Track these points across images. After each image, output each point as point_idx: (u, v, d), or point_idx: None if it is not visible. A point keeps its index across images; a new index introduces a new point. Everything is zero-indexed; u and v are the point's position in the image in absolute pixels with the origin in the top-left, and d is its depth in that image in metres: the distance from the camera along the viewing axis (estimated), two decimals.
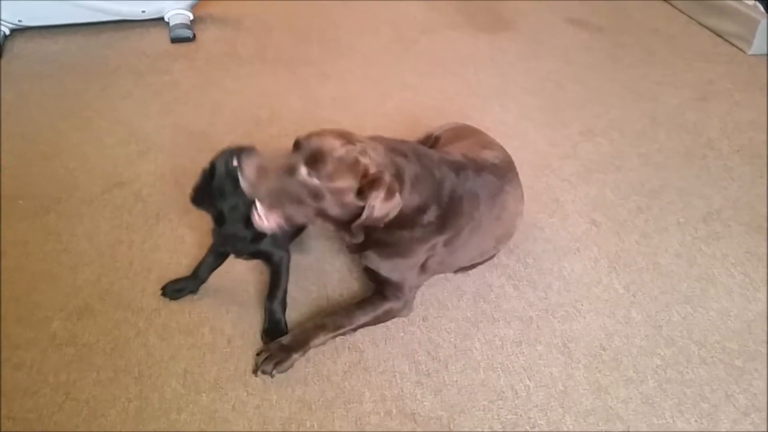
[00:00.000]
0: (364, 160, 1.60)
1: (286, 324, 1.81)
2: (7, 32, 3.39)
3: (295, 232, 1.96)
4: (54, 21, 3.47)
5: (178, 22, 3.52)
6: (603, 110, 2.95)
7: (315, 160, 1.58)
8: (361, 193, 1.60)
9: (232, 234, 1.76)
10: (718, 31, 3.70)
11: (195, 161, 2.45)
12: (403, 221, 1.74)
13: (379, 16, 3.83)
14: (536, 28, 3.77)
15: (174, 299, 1.91)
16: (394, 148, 1.74)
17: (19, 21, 3.38)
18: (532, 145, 2.66)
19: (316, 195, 1.61)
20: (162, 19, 3.59)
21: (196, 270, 1.90)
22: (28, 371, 1.70)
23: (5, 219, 2.20)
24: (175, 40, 3.46)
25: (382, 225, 1.68)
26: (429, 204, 1.77)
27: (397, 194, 1.63)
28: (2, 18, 3.33)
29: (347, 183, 1.60)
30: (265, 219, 1.63)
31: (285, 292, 1.83)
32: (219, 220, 1.75)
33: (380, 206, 1.61)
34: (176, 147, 2.60)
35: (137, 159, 2.53)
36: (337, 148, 1.60)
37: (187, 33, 3.48)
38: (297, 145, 1.64)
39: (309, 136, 1.64)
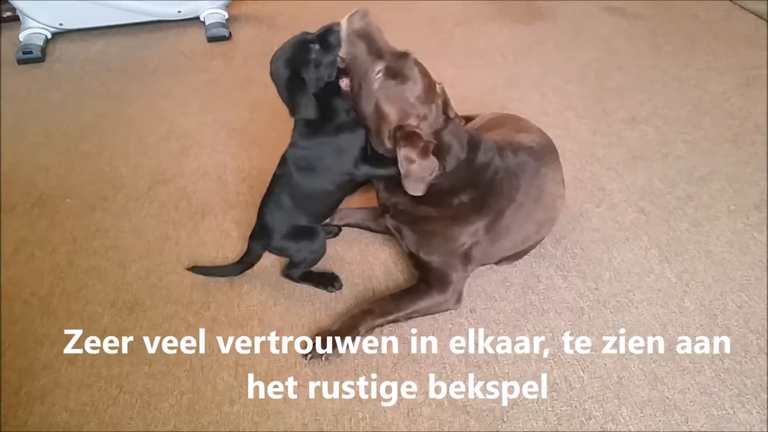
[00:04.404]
0: (414, 114, 1.62)
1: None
2: (49, 36, 3.45)
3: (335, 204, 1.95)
4: (93, 23, 3.52)
5: (213, 21, 3.54)
6: (646, 98, 2.89)
7: (392, 72, 1.62)
8: (395, 139, 1.62)
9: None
10: (761, 14, 3.60)
11: (236, 157, 2.51)
12: (430, 197, 1.73)
13: (413, 11, 3.81)
14: (573, 17, 3.70)
15: None
16: (457, 132, 1.74)
17: (60, 24, 3.44)
18: (575, 135, 2.61)
19: (368, 94, 1.63)
20: (198, 18, 3.62)
21: None
22: (81, 365, 1.72)
23: (53, 217, 2.24)
24: (211, 39, 3.49)
25: (417, 192, 1.66)
26: (462, 188, 1.76)
27: (432, 157, 1.62)
28: (44, 22, 3.40)
29: (391, 116, 1.63)
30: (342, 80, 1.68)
31: None
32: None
33: (409, 158, 1.59)
34: (218, 144, 2.62)
35: (180, 156, 2.55)
36: (418, 84, 1.63)
37: (224, 32, 3.50)
38: (404, 53, 1.66)
39: (412, 58, 1.66)
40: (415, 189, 1.64)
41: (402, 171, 1.62)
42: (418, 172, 1.61)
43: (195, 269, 1.94)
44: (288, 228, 1.85)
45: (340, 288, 1.92)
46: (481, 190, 1.78)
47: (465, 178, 1.77)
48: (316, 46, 1.64)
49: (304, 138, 1.78)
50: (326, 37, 1.65)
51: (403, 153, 1.60)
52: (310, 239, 1.87)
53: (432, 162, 1.62)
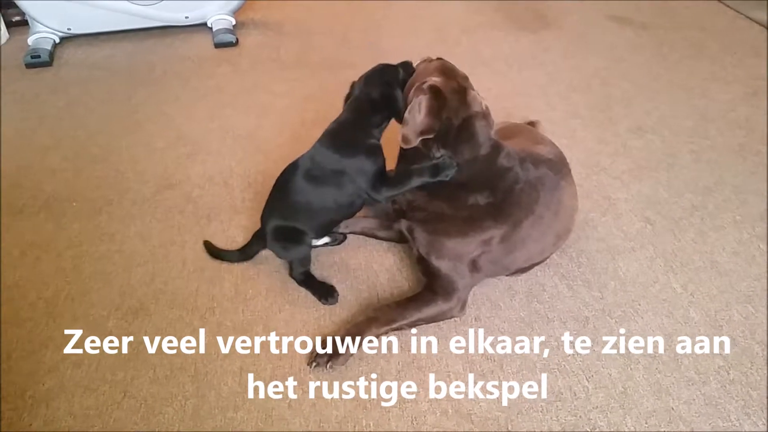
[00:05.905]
0: (435, 79, 1.75)
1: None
2: (57, 40, 3.48)
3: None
4: (101, 28, 3.55)
5: (221, 27, 3.56)
6: (652, 107, 2.89)
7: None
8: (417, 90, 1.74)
9: None
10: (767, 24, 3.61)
11: (242, 163, 2.51)
12: (444, 192, 1.77)
13: (420, 18, 3.83)
14: (579, 26, 3.72)
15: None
16: (485, 127, 1.80)
17: (69, 29, 3.46)
18: (581, 143, 2.61)
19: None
20: (205, 24, 3.65)
21: None
22: (86, 369, 1.72)
23: (59, 220, 2.25)
24: (218, 45, 3.50)
25: (406, 143, 1.73)
26: (478, 187, 1.78)
27: (435, 119, 1.70)
28: (53, 26, 3.42)
29: (418, 77, 1.82)
30: None
31: None
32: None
33: (420, 104, 1.69)
34: (224, 149, 2.62)
35: (186, 161, 2.55)
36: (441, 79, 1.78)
37: (231, 38, 3.52)
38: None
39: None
40: (406, 139, 1.71)
41: (405, 115, 1.72)
42: (418, 121, 1.69)
43: (206, 244, 2.09)
44: (281, 231, 1.91)
45: (335, 303, 1.91)
46: (498, 195, 1.79)
47: (482, 177, 1.78)
48: (401, 71, 1.89)
49: (329, 147, 1.85)
50: (407, 67, 1.92)
51: (417, 98, 1.70)
52: (297, 242, 1.91)
53: (431, 122, 1.70)
